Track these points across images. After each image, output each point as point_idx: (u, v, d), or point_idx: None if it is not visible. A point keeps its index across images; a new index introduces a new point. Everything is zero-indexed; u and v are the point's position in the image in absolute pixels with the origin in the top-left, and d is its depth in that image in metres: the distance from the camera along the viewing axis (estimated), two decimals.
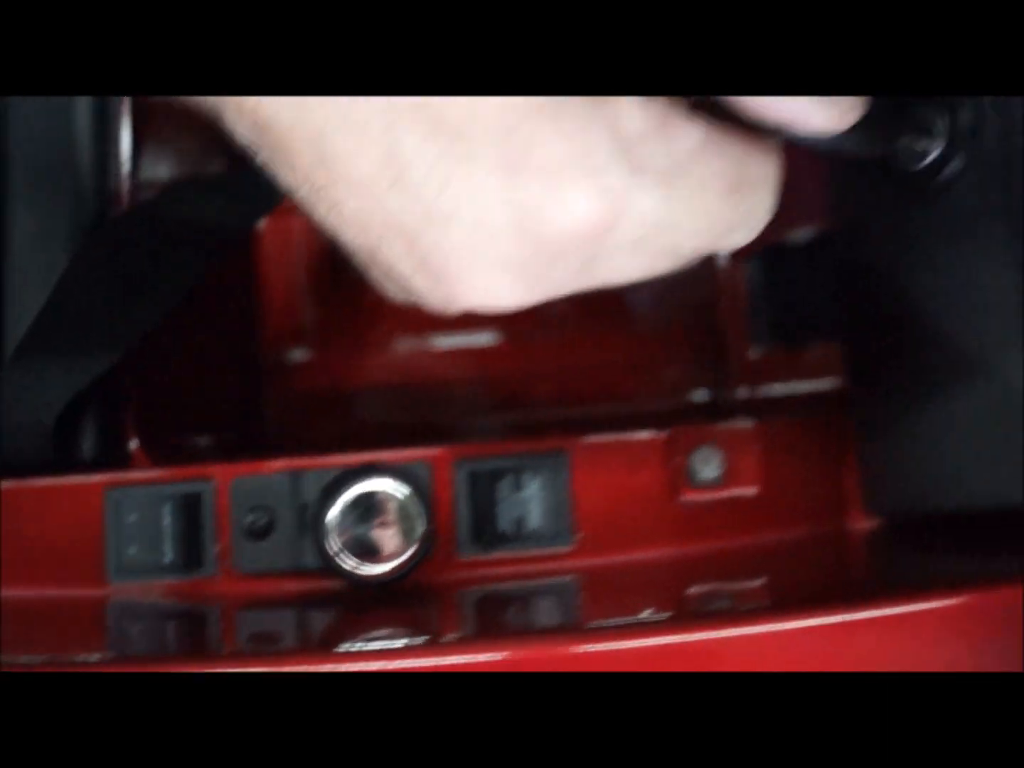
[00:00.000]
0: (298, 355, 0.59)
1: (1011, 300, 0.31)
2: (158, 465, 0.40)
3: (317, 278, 0.60)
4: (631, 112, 0.25)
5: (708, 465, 0.38)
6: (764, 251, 0.52)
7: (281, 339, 0.58)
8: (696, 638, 0.30)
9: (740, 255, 0.54)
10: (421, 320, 0.58)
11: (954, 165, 0.32)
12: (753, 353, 0.55)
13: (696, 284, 0.56)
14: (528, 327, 0.59)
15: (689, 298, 0.57)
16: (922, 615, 0.34)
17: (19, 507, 0.37)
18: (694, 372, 0.55)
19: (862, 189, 0.37)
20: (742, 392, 0.55)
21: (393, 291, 0.27)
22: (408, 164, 0.23)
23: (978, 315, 0.31)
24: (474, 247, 0.24)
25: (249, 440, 0.53)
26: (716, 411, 0.53)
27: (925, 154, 0.32)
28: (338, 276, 0.60)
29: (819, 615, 0.32)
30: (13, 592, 0.37)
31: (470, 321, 0.59)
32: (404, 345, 0.60)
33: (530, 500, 0.37)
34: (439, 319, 0.30)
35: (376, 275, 0.26)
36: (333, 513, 0.34)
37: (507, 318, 0.57)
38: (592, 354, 0.59)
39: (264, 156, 0.26)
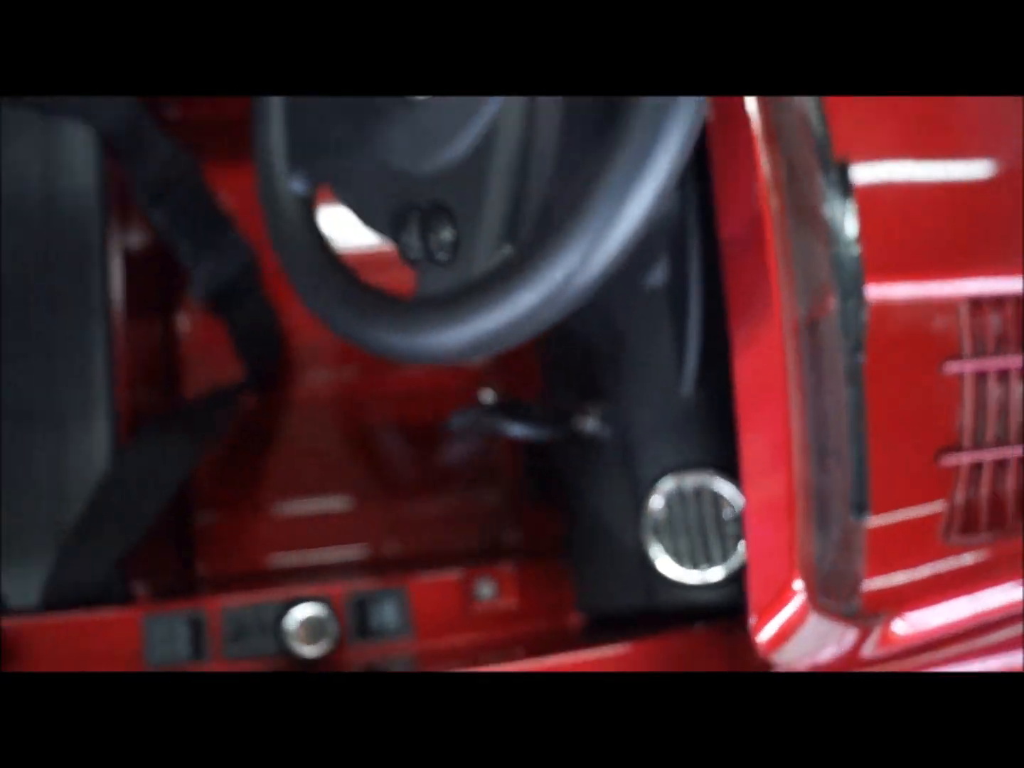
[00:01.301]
0: (213, 519, 0.86)
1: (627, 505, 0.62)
2: (161, 599, 0.66)
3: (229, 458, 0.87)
4: None
5: (487, 588, 0.67)
6: (526, 448, 0.83)
7: (205, 508, 0.85)
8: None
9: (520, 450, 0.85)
10: (300, 488, 0.87)
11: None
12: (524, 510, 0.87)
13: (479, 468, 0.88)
14: (379, 494, 0.88)
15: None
16: (606, 657, 0.60)
17: (83, 628, 0.62)
18: (481, 524, 0.86)
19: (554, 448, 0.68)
20: (513, 535, 0.86)
21: None
22: None
23: (607, 513, 0.63)
24: None
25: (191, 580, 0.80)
26: (495, 552, 0.84)
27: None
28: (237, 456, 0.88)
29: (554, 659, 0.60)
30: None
31: (333, 489, 0.88)
32: (289, 511, 0.88)
33: (387, 612, 0.65)
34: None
35: None
36: (287, 623, 0.62)
37: (363, 487, 0.86)
38: (420, 512, 0.88)
39: None
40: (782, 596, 0.45)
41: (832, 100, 0.55)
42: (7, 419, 0.68)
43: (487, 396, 0.58)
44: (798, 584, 0.44)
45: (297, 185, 0.49)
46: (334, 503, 0.88)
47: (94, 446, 0.68)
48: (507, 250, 0.40)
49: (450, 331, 0.40)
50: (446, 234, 0.42)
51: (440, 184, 0.42)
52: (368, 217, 0.46)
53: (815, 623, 0.45)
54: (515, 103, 0.40)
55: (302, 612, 0.61)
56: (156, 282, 0.84)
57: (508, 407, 0.58)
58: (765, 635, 0.45)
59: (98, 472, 0.68)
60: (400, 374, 0.89)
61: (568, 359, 0.65)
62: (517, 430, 0.58)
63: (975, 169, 0.61)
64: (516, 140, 0.41)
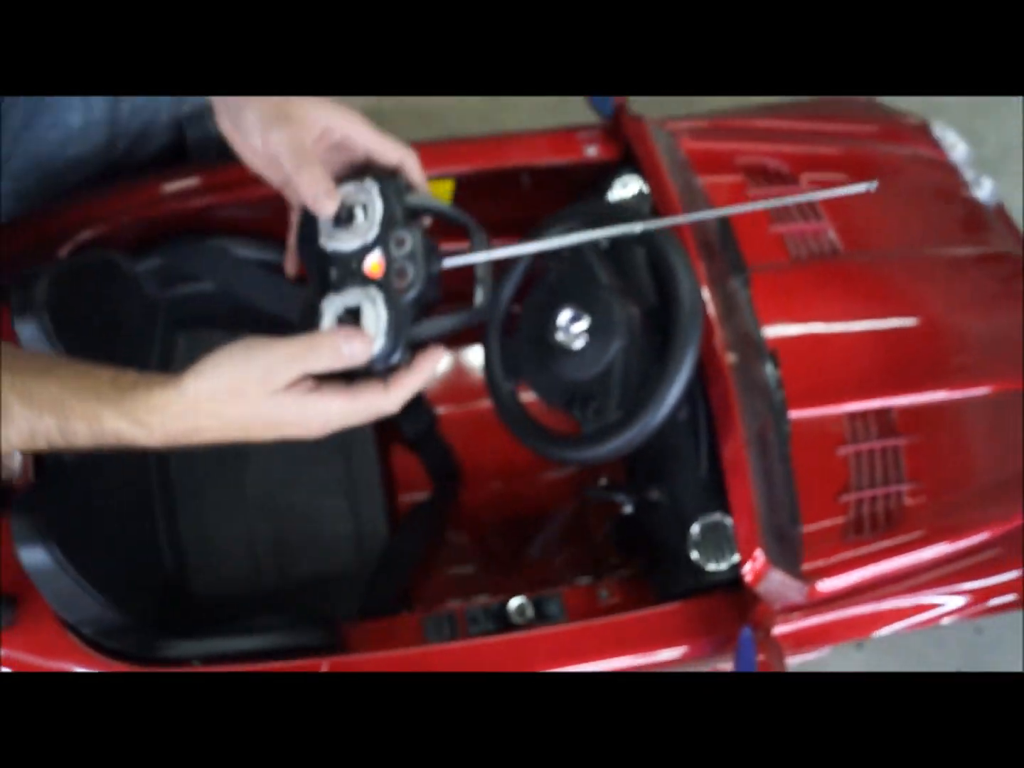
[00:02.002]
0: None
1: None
2: (427, 607, 1.19)
3: None
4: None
5: (604, 592, 1.17)
6: (615, 518, 1.35)
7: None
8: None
9: (605, 516, 1.37)
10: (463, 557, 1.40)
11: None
12: (614, 559, 1.37)
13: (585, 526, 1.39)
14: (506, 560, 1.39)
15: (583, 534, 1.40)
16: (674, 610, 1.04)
17: (389, 627, 1.14)
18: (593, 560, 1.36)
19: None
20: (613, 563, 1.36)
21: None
22: (251, 431, 0.72)
23: (670, 540, 1.14)
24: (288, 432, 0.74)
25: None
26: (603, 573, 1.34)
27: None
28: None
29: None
30: None
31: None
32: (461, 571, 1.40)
33: (553, 606, 1.15)
34: None
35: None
36: (509, 609, 1.12)
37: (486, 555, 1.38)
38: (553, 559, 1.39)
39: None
40: (752, 557, 0.95)
41: (763, 313, 1.10)
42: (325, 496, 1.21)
43: (603, 481, 1.12)
44: (759, 552, 0.94)
45: (508, 384, 1.04)
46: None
47: (377, 520, 1.23)
48: (621, 413, 0.94)
49: (598, 449, 0.93)
50: (593, 406, 0.95)
51: (588, 384, 0.96)
52: (549, 400, 1.00)
53: (773, 574, 0.95)
54: (620, 350, 0.94)
55: (514, 603, 1.11)
56: (377, 428, 1.38)
57: (614, 486, 1.13)
58: (748, 574, 0.95)
59: (380, 535, 1.22)
60: (529, 481, 1.43)
61: (642, 458, 1.18)
62: (620, 498, 1.12)
63: (854, 330, 1.16)
64: (622, 363, 0.94)
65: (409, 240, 0.75)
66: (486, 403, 1.06)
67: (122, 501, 1.07)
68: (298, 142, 0.78)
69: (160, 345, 1.16)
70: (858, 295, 1.21)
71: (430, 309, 0.78)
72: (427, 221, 0.83)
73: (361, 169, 0.83)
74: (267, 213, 1.10)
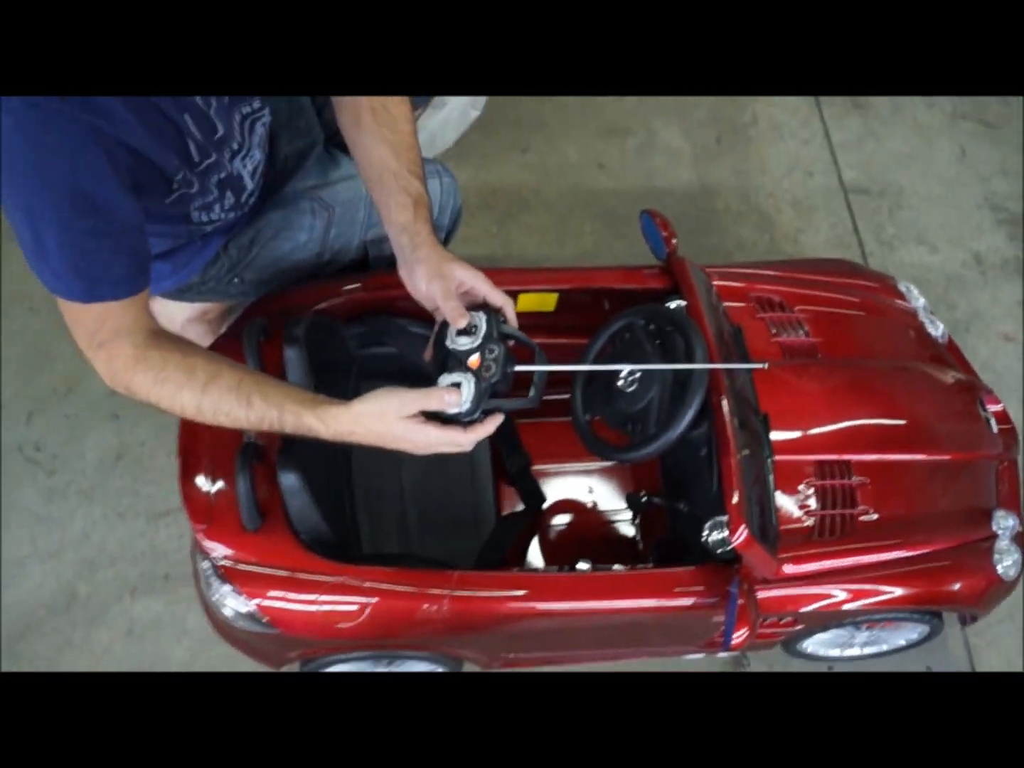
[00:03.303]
0: None
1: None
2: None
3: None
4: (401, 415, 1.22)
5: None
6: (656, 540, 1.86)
7: None
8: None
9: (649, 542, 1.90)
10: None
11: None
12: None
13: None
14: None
15: None
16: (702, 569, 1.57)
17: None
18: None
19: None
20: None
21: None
22: (385, 440, 1.23)
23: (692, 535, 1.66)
24: (404, 446, 1.25)
25: None
26: None
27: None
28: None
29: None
30: None
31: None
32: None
33: None
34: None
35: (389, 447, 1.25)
36: None
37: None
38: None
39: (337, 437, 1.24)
40: (739, 533, 1.43)
41: (760, 389, 1.63)
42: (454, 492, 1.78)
43: (643, 493, 1.66)
44: (742, 528, 1.44)
45: (585, 416, 1.59)
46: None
47: (488, 514, 1.78)
48: (655, 430, 1.49)
49: (641, 452, 1.47)
50: (639, 427, 1.51)
51: (637, 413, 1.51)
52: (612, 423, 1.56)
53: (756, 549, 1.45)
54: (656, 393, 1.49)
55: (581, 564, 1.62)
56: (493, 461, 1.93)
57: (654, 498, 1.67)
58: (737, 538, 1.44)
59: (489, 523, 1.78)
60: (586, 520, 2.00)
61: (673, 483, 1.70)
62: (663, 504, 1.66)
63: (824, 406, 1.72)
64: (657, 401, 1.49)
65: (497, 350, 1.25)
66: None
67: (325, 474, 1.61)
68: (446, 288, 1.31)
69: (352, 389, 1.72)
70: (828, 384, 1.74)
71: (502, 393, 1.26)
72: (511, 342, 1.31)
73: (479, 305, 1.31)
74: None
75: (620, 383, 1.52)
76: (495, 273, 1.35)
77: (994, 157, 2.86)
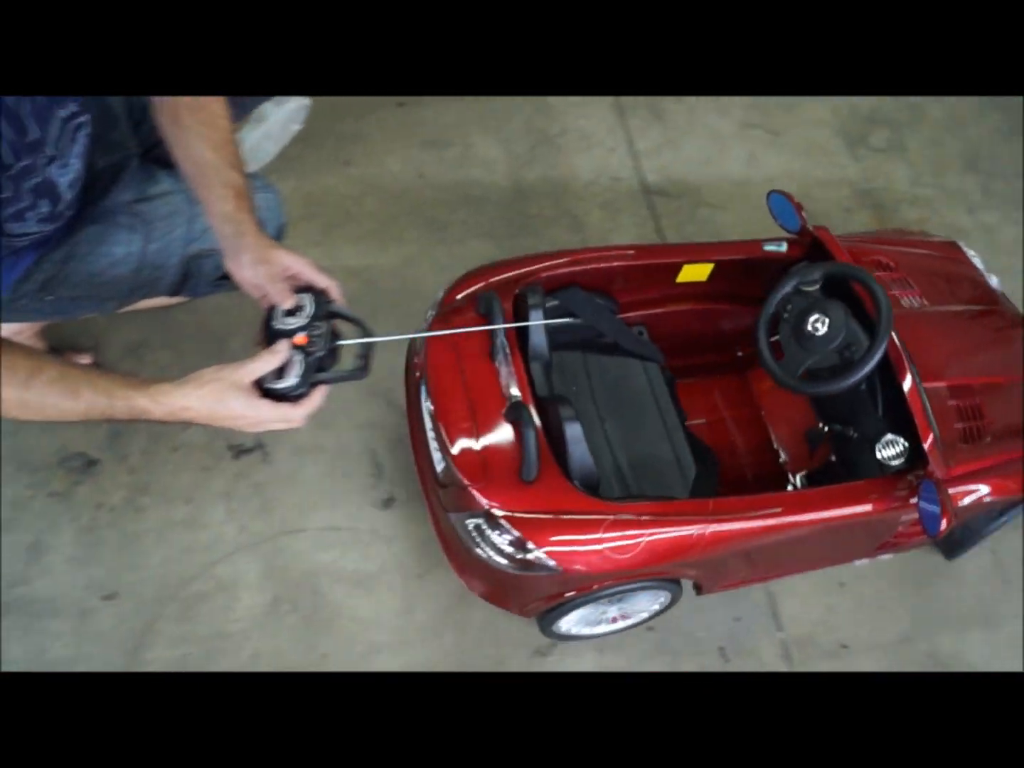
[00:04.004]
0: None
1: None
2: None
3: None
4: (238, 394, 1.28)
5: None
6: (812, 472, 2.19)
7: None
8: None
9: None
10: None
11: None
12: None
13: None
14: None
15: None
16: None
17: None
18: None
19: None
20: None
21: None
22: (217, 415, 1.27)
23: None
24: (237, 423, 1.29)
25: None
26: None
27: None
28: None
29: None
30: None
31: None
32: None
33: None
34: None
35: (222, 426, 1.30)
36: None
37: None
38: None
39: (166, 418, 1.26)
40: (929, 439, 1.82)
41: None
42: (657, 442, 1.97)
43: (822, 425, 2.06)
44: (931, 436, 1.82)
45: (773, 359, 1.87)
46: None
47: (685, 455, 1.98)
48: (841, 367, 1.81)
49: (832, 385, 1.77)
50: (827, 364, 1.82)
51: (827, 354, 1.80)
52: (802, 364, 1.83)
53: (935, 453, 1.82)
54: (843, 335, 1.80)
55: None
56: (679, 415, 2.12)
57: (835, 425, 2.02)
58: (928, 448, 1.80)
59: (687, 461, 1.97)
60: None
61: (837, 411, 2.01)
62: (837, 427, 2.03)
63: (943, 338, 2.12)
64: (841, 341, 1.79)
65: (323, 328, 1.34)
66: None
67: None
68: (272, 272, 1.41)
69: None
70: (939, 327, 2.07)
71: (329, 367, 1.35)
72: (337, 320, 1.45)
73: (305, 288, 1.40)
74: (611, 281, 1.99)
75: (810, 328, 1.82)
76: (653, 250, 2.01)
77: (779, 161, 3.15)
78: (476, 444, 1.65)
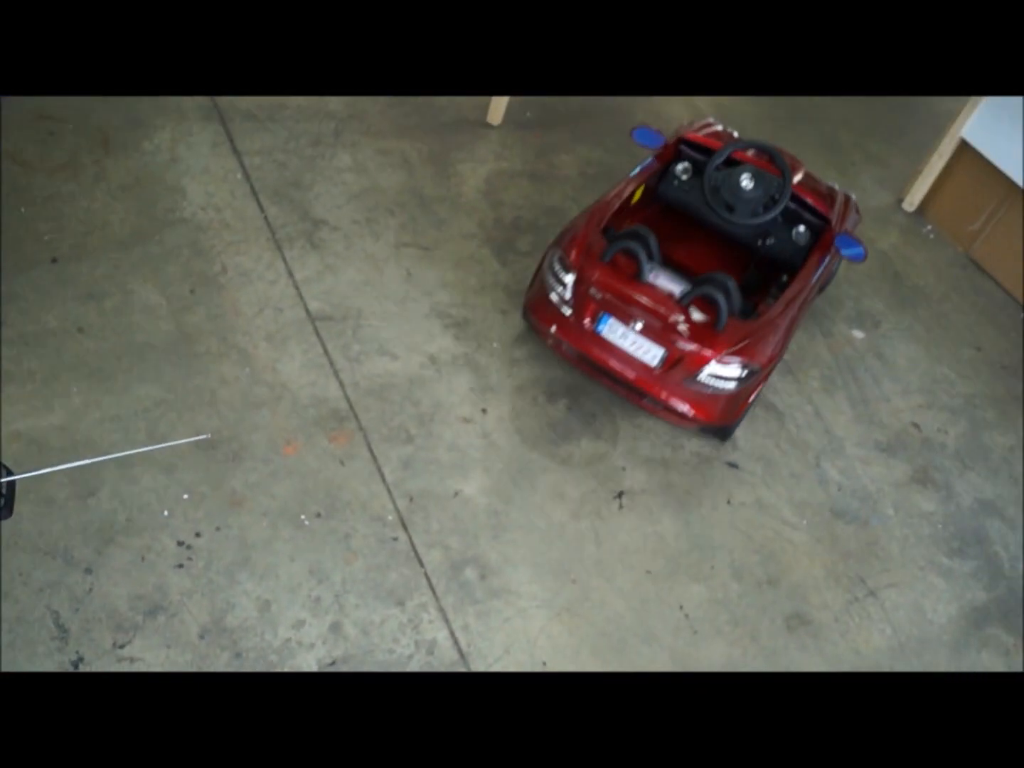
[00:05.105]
0: None
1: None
2: None
3: None
4: None
5: None
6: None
7: None
8: None
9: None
10: None
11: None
12: None
13: None
14: None
15: None
16: None
17: None
18: None
19: None
20: None
21: None
22: None
23: None
24: None
25: None
26: None
27: None
28: None
29: None
30: None
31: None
32: None
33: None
34: None
35: None
36: None
37: None
38: None
39: None
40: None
41: None
42: None
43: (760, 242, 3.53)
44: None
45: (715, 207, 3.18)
46: None
47: None
48: (761, 211, 3.38)
49: (754, 220, 3.33)
50: (749, 209, 3.35)
51: (751, 202, 3.34)
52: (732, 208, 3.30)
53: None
54: (762, 192, 3.34)
55: None
56: None
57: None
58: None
59: None
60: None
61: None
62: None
63: None
64: (761, 196, 3.32)
65: None
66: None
67: None
68: None
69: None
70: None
71: None
72: None
73: None
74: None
75: (743, 184, 3.23)
76: (619, 192, 3.30)
77: (434, 274, 3.47)
78: (681, 326, 2.86)
